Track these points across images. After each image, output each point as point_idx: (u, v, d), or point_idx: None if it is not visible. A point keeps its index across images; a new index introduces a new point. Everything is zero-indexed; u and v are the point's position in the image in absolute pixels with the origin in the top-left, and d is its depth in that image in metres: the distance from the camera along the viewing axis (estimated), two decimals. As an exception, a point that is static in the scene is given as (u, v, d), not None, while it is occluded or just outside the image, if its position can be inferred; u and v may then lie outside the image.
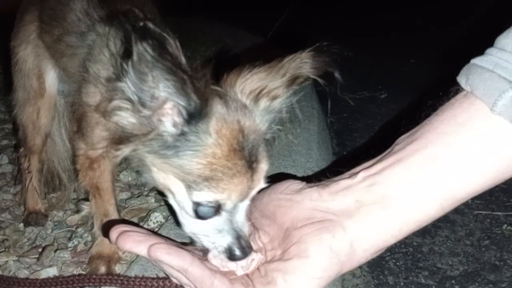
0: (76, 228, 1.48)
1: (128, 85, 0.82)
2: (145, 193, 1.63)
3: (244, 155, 0.88)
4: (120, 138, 0.90)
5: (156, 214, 1.46)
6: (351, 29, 4.98)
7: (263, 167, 0.93)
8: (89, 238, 1.41)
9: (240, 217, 0.94)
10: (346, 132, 2.79)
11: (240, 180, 0.88)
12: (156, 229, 1.41)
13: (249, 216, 0.98)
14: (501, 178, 0.83)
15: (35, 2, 1.48)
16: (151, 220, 1.45)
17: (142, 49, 0.76)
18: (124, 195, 1.63)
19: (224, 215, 0.92)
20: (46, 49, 1.45)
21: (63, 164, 1.71)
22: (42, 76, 1.51)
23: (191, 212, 0.92)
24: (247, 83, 0.94)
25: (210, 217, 0.92)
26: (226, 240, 0.92)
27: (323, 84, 1.00)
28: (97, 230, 1.28)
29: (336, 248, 0.84)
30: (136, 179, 1.73)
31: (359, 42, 4.55)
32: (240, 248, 0.90)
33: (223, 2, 6.21)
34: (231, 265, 0.91)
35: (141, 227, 1.37)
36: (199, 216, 0.92)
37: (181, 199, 0.93)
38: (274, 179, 1.05)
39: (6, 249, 1.41)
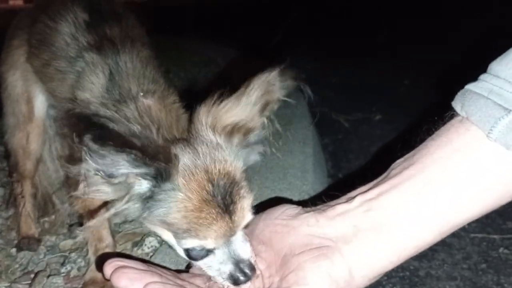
0: (69, 253, 1.46)
1: (91, 166, 0.85)
2: (140, 217, 1.61)
3: (217, 202, 0.90)
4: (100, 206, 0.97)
5: (150, 238, 1.44)
6: (344, 49, 5.04)
7: (242, 206, 0.93)
8: (82, 264, 1.39)
9: (237, 246, 0.94)
10: (340, 153, 2.79)
11: (218, 225, 0.90)
12: (151, 253, 1.39)
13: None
14: (498, 204, 0.83)
15: (23, 27, 1.48)
16: (145, 245, 1.43)
17: (87, 142, 0.80)
18: (118, 219, 1.61)
19: (217, 252, 0.94)
20: (34, 73, 1.45)
21: (55, 189, 1.70)
22: (31, 100, 1.51)
23: (184, 256, 0.96)
24: (218, 120, 0.95)
25: (203, 257, 0.94)
26: (228, 267, 0.93)
27: (293, 103, 1.03)
28: (91, 255, 1.26)
29: (335, 275, 0.84)
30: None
31: (352, 62, 4.61)
32: (242, 272, 0.92)
33: (215, 22, 6.29)
34: None
35: (134, 257, 1.36)
36: (192, 258, 0.95)
37: (173, 245, 0.97)
38: (269, 203, 1.05)
39: (-2, 275, 1.39)
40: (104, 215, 0.96)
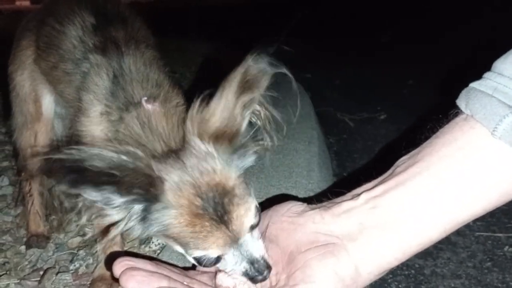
0: (77, 251, 1.48)
1: (88, 199, 0.87)
2: (147, 215, 1.63)
3: (209, 215, 0.89)
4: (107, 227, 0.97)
5: (157, 236, 1.45)
6: (349, 49, 5.04)
7: (238, 214, 0.91)
8: (91, 261, 1.40)
9: (248, 246, 0.93)
10: (345, 153, 2.80)
11: (216, 237, 0.90)
12: (158, 251, 1.40)
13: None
14: (503, 201, 0.84)
15: (31, 28, 1.50)
16: (152, 243, 1.44)
17: (65, 189, 0.83)
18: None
19: (227, 258, 0.94)
20: (42, 75, 1.47)
21: None
22: (38, 100, 1.53)
23: (197, 264, 0.96)
24: (204, 127, 0.93)
25: (214, 264, 0.94)
26: (243, 266, 0.93)
27: (277, 96, 0.98)
28: (100, 253, 1.28)
29: (341, 272, 0.85)
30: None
31: (357, 62, 4.61)
32: (256, 271, 0.92)
33: (218, 23, 6.29)
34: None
35: (142, 255, 1.38)
36: (204, 265, 0.94)
37: (184, 254, 0.97)
38: (275, 200, 1.06)
39: (8, 272, 1.41)
40: (111, 234, 0.96)
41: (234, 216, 0.90)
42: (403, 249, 0.86)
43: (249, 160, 0.98)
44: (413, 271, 1.68)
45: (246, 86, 0.92)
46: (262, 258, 0.93)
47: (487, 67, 0.86)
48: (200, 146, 0.93)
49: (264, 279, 0.92)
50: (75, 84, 1.24)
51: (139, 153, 0.90)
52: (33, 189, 1.62)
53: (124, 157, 0.85)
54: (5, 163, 2.15)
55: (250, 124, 0.99)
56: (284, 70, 0.95)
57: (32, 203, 1.61)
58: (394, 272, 1.66)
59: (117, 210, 0.90)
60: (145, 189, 0.87)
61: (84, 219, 0.97)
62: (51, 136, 1.59)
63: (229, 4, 8.80)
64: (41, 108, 1.53)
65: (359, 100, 3.62)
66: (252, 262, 0.93)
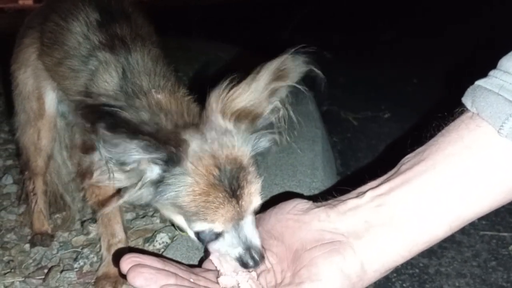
0: (81, 249, 1.48)
1: (104, 155, 0.88)
2: (150, 213, 1.63)
3: (224, 187, 0.92)
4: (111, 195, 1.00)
5: (162, 234, 1.45)
6: (353, 47, 5.03)
7: (250, 191, 0.95)
8: (95, 259, 1.41)
9: (247, 231, 0.95)
10: (349, 152, 2.79)
11: (226, 209, 0.92)
12: (162, 249, 1.40)
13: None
14: (508, 199, 0.84)
15: (34, 25, 1.50)
16: (156, 241, 1.44)
17: (101, 131, 0.83)
18: (129, 216, 1.63)
19: (226, 236, 0.95)
20: (46, 71, 1.47)
21: (65, 186, 1.72)
22: (41, 97, 1.53)
23: (195, 239, 0.98)
24: (228, 105, 0.96)
25: (213, 241, 0.96)
26: (238, 250, 0.95)
27: (303, 89, 1.01)
28: (104, 250, 1.28)
29: (347, 270, 0.85)
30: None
31: (361, 61, 4.60)
32: (251, 258, 0.94)
33: (221, 21, 6.29)
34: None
35: (147, 251, 1.38)
36: (202, 241, 0.97)
37: (185, 228, 0.99)
38: (280, 198, 1.06)
39: (12, 270, 1.41)
40: (118, 201, 0.98)
41: (245, 192, 0.94)
42: (409, 246, 0.86)
43: (262, 144, 1.02)
44: (417, 270, 1.67)
45: (279, 75, 0.95)
46: (259, 247, 0.95)
47: (493, 66, 0.85)
48: (220, 122, 0.96)
49: (256, 267, 0.94)
50: (82, 80, 1.25)
51: (164, 116, 0.93)
52: (37, 187, 1.62)
53: (155, 118, 0.89)
54: (9, 162, 2.16)
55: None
56: (318, 72, 0.99)
57: (36, 201, 1.61)
58: (398, 271, 1.65)
59: (128, 174, 0.93)
60: (171, 149, 0.89)
61: (93, 178, 0.98)
62: (54, 134, 1.59)
63: (229, 2, 8.80)
64: (44, 105, 1.54)
65: (363, 99, 3.61)
66: (248, 248, 0.94)
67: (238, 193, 0.92)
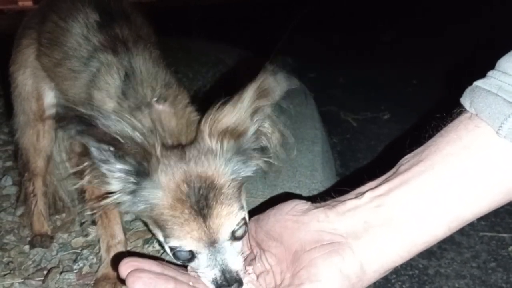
0: (81, 250, 1.48)
1: (94, 159, 0.93)
2: (150, 214, 1.63)
3: (191, 203, 0.91)
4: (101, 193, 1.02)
5: (161, 236, 1.45)
6: (352, 48, 5.03)
7: (219, 212, 0.92)
8: (94, 261, 1.41)
9: (225, 255, 0.94)
10: (349, 153, 2.80)
11: (191, 227, 0.91)
12: (161, 251, 1.40)
13: (254, 237, 1.00)
14: (507, 200, 0.83)
15: (32, 26, 1.50)
16: (156, 242, 1.44)
17: (72, 133, 0.87)
18: (128, 217, 1.63)
19: (200, 257, 0.94)
20: (44, 72, 1.47)
21: (64, 187, 1.72)
22: (41, 98, 1.53)
23: (171, 256, 0.97)
24: (214, 125, 0.96)
25: (188, 260, 0.95)
26: (213, 272, 0.94)
27: (286, 107, 1.03)
28: (103, 252, 1.28)
29: (346, 271, 0.84)
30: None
31: (360, 62, 4.60)
32: (225, 281, 0.93)
33: (221, 21, 6.30)
34: None
35: (147, 255, 1.38)
36: (178, 259, 0.96)
37: (162, 243, 0.99)
38: (279, 198, 1.06)
39: (12, 272, 1.41)
40: (103, 202, 0.99)
41: (214, 213, 0.92)
42: (408, 247, 0.86)
43: (249, 169, 1.01)
44: (417, 271, 1.67)
45: (261, 94, 0.95)
46: (236, 272, 0.94)
47: (489, 66, 0.85)
48: (206, 142, 0.96)
49: None
50: (82, 82, 1.25)
51: (150, 134, 0.94)
52: (36, 189, 1.62)
53: (135, 132, 0.89)
54: (8, 163, 2.16)
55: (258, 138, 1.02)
56: (297, 85, 1.00)
57: (35, 203, 1.61)
58: (398, 272, 1.65)
59: (117, 180, 0.94)
60: (138, 160, 0.90)
61: (85, 180, 1.00)
62: (53, 135, 1.59)
63: (229, 2, 8.81)
64: (43, 105, 1.54)
65: (362, 99, 3.61)
66: (224, 272, 0.93)
67: (205, 212, 0.91)
